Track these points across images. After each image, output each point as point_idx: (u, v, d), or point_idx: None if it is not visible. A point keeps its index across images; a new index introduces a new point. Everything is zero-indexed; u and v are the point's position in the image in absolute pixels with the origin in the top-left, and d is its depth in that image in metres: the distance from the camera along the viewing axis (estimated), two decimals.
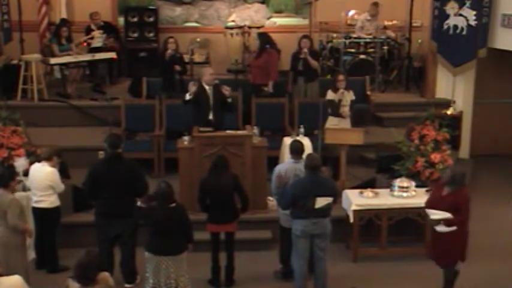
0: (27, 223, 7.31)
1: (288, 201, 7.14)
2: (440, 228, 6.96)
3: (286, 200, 7.18)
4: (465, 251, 7.13)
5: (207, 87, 9.01)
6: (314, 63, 10.49)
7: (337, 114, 9.41)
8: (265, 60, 10.39)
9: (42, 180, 7.66)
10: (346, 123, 9.41)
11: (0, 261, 6.21)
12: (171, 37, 10.72)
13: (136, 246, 7.48)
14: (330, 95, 9.48)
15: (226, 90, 9.04)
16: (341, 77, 9.55)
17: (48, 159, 7.73)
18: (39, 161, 7.83)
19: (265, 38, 10.60)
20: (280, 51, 10.92)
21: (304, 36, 10.74)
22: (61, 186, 7.81)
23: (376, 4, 12.19)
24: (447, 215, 6.91)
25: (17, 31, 11.95)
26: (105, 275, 5.57)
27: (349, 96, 9.45)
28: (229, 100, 9.11)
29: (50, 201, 7.72)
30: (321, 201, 7.02)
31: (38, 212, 7.77)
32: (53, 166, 7.74)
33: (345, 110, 9.40)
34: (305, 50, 10.35)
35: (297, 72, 10.62)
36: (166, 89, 10.50)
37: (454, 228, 6.94)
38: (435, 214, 6.96)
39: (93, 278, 5.39)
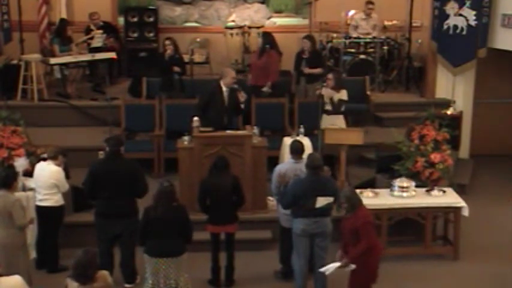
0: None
1: (289, 201, 7.16)
2: (348, 268, 6.68)
3: (287, 199, 7.19)
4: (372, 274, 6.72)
5: (224, 89, 9.02)
6: (317, 71, 10.49)
7: (322, 109, 9.41)
8: (265, 61, 10.37)
9: (47, 179, 7.67)
10: (340, 122, 9.46)
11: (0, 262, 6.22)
12: (169, 38, 10.70)
13: (136, 246, 7.48)
14: (319, 90, 9.54)
15: (242, 96, 9.07)
16: (329, 75, 9.56)
17: (53, 158, 7.75)
18: (44, 160, 7.84)
19: (267, 38, 10.58)
20: (282, 54, 10.92)
21: (305, 37, 10.74)
22: (66, 186, 7.82)
23: (369, 2, 12.17)
24: (335, 265, 6.63)
25: (17, 31, 11.95)
26: (104, 273, 5.58)
27: (337, 96, 9.43)
28: (242, 106, 9.16)
29: (54, 200, 7.73)
30: (322, 201, 7.03)
31: (42, 211, 7.77)
32: (58, 165, 7.76)
33: (327, 107, 9.47)
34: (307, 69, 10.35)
35: (300, 72, 10.62)
36: (166, 89, 10.51)
37: (354, 266, 6.57)
38: (327, 269, 6.74)
39: (92, 277, 5.40)
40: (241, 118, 10.29)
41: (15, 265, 6.70)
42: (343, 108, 9.57)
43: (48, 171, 7.70)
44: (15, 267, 6.52)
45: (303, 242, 7.19)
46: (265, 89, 10.39)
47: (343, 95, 9.52)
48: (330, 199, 7.12)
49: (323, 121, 9.41)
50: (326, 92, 9.48)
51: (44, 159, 7.88)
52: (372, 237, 6.60)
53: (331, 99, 9.39)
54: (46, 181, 7.68)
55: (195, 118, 8.77)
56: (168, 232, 6.78)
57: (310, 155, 7.41)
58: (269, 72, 10.39)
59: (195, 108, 9.07)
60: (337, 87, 9.47)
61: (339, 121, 9.52)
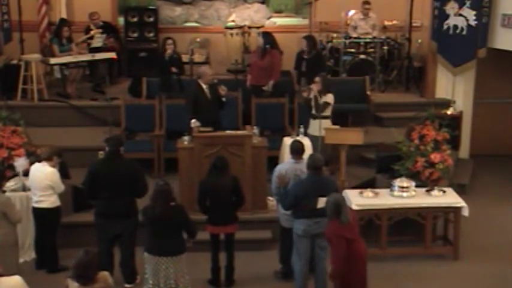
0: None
1: (291, 202, 7.16)
2: None
3: (289, 200, 7.19)
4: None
5: (204, 86, 9.06)
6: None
7: (310, 113, 9.33)
8: (268, 61, 10.36)
9: (42, 180, 7.66)
10: (325, 125, 9.22)
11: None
12: (169, 38, 10.70)
13: (136, 246, 7.48)
14: (305, 93, 9.43)
15: (223, 90, 9.11)
16: (316, 79, 9.35)
17: (48, 159, 7.73)
18: (39, 161, 7.83)
19: (267, 38, 10.56)
20: (283, 53, 10.91)
21: (304, 37, 10.73)
22: (61, 187, 7.81)
23: (365, 3, 12.16)
24: None
25: (17, 31, 11.94)
26: (105, 274, 5.58)
27: (322, 99, 9.23)
28: (224, 100, 9.20)
29: (50, 201, 7.72)
30: (323, 201, 7.02)
31: (38, 212, 7.77)
32: (53, 166, 7.74)
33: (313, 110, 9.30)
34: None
35: (301, 72, 10.60)
36: (164, 90, 10.48)
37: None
38: None
39: (93, 277, 5.41)
40: (241, 118, 10.32)
41: (8, 264, 6.65)
42: (329, 113, 9.32)
43: (43, 173, 7.69)
44: (7, 267, 6.48)
45: (304, 243, 7.19)
46: (266, 87, 10.37)
47: (329, 98, 9.30)
48: None
49: (310, 126, 9.31)
50: (313, 95, 9.30)
51: (40, 160, 7.88)
52: (339, 251, 6.43)
53: (316, 101, 9.21)
54: (41, 182, 7.67)
55: (193, 120, 8.80)
56: (168, 232, 6.79)
57: (311, 155, 7.41)
58: (272, 71, 10.38)
59: (187, 111, 9.10)
60: (323, 91, 9.25)
61: (326, 126, 9.26)
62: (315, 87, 9.25)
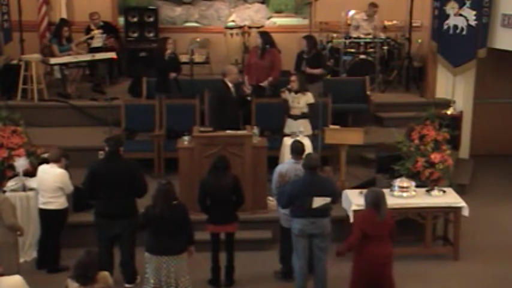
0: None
1: (286, 201, 7.19)
2: None
3: (284, 199, 7.22)
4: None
5: (230, 85, 9.12)
6: (318, 71, 10.38)
7: (288, 114, 9.33)
8: (269, 61, 10.35)
9: (51, 182, 7.65)
10: (304, 126, 9.19)
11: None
12: (168, 38, 10.67)
13: (136, 246, 7.48)
14: (283, 94, 9.44)
15: (248, 88, 9.20)
16: (293, 77, 9.37)
17: (56, 160, 7.72)
18: (47, 163, 7.82)
19: (266, 38, 10.56)
20: (281, 52, 10.92)
21: (303, 37, 10.73)
22: (71, 188, 7.82)
23: (373, 5, 12.17)
24: None
25: (17, 31, 11.95)
26: (105, 274, 5.60)
27: (303, 99, 9.26)
28: (249, 98, 9.32)
29: (59, 202, 7.72)
30: (318, 201, 7.03)
31: (46, 214, 7.75)
32: (61, 167, 7.74)
33: (294, 111, 9.28)
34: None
35: (301, 72, 10.59)
36: (161, 90, 10.42)
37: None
38: None
39: (93, 277, 5.42)
40: (241, 117, 10.31)
41: (7, 264, 6.65)
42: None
43: (52, 175, 7.68)
44: (7, 267, 6.49)
45: (301, 242, 7.19)
46: (265, 83, 10.33)
47: (310, 98, 9.29)
48: (327, 199, 7.12)
49: (288, 126, 9.30)
50: (291, 96, 9.30)
51: (46, 161, 7.86)
52: (352, 237, 6.73)
53: (298, 103, 9.22)
54: (50, 184, 7.66)
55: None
56: (168, 231, 6.78)
57: (307, 155, 7.43)
58: (273, 71, 10.37)
59: (211, 112, 9.12)
60: (301, 90, 9.25)
61: (305, 126, 9.23)
62: (292, 86, 9.26)
